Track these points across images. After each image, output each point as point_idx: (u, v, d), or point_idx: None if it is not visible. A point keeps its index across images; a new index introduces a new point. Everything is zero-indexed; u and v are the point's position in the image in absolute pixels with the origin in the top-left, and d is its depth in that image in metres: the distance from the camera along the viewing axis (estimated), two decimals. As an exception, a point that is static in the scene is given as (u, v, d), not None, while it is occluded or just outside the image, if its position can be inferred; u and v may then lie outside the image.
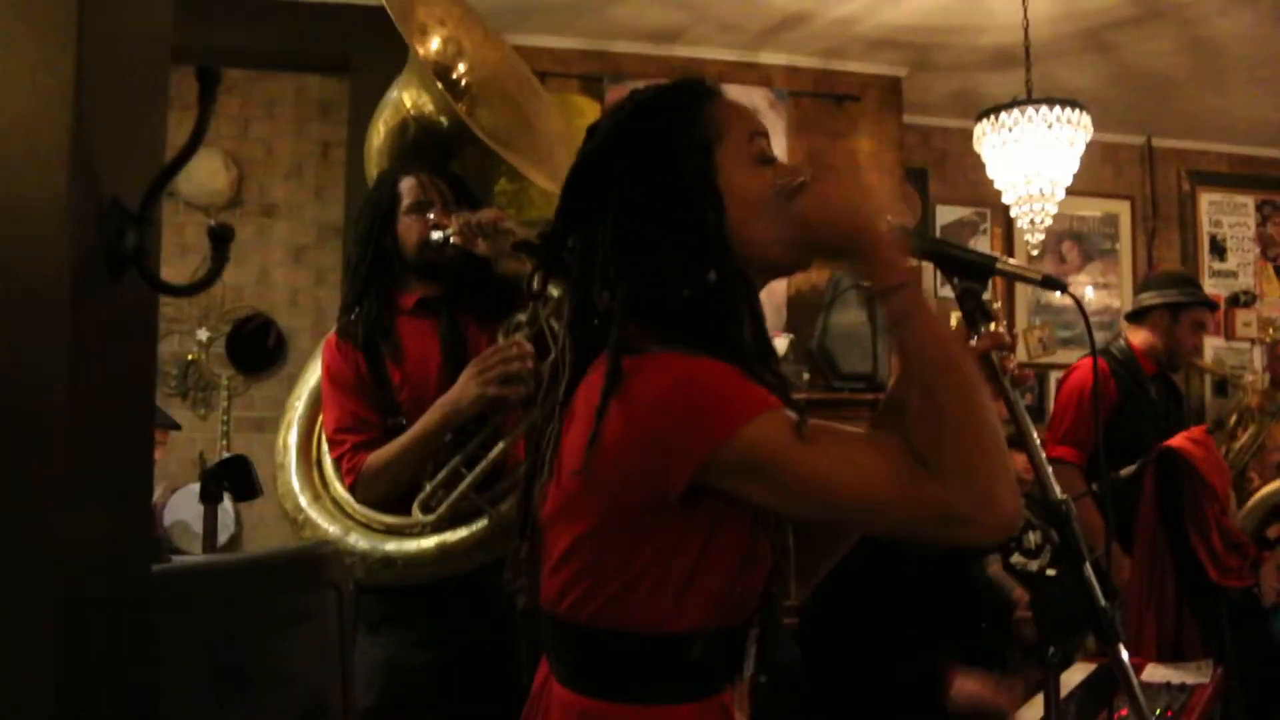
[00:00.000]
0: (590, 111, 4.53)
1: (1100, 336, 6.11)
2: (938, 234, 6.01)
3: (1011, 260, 1.33)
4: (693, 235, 1.25)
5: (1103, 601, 1.23)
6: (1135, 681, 1.21)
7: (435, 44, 2.63)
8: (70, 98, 0.72)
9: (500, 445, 2.21)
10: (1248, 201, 6.61)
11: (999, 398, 1.33)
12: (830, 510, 1.17)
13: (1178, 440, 3.12)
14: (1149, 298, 3.66)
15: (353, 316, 2.35)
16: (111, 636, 0.83)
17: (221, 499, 2.34)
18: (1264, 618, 3.95)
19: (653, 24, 4.89)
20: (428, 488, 2.22)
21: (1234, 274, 6.54)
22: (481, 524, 2.18)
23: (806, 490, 1.14)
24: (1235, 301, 6.41)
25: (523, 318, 2.27)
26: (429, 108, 2.45)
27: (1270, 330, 6.45)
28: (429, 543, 2.20)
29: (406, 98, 2.49)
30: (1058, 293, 1.35)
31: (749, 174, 1.30)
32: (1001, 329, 1.37)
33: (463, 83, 2.65)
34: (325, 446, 2.38)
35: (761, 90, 5.10)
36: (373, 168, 2.62)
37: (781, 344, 4.73)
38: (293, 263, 5.02)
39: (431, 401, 2.23)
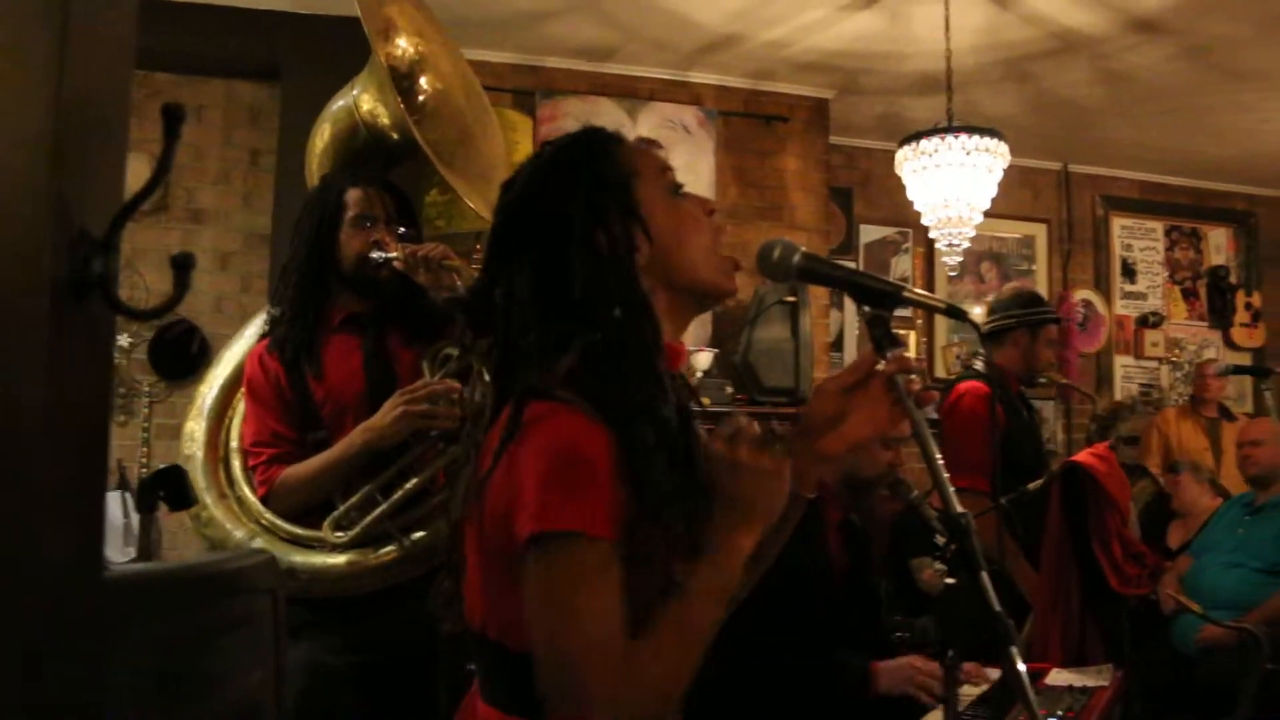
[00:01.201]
0: (522, 126, 4.61)
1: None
2: (861, 252, 6.17)
3: (918, 290, 1.41)
4: (604, 272, 1.30)
5: (997, 607, 1.30)
6: (1026, 682, 1.28)
7: (398, 48, 2.62)
8: (49, 141, 0.77)
9: (416, 479, 2.23)
10: (1157, 227, 6.88)
11: (905, 417, 1.40)
12: (538, 650, 1.20)
13: (1083, 456, 3.26)
14: (1004, 319, 3.71)
15: (284, 329, 2.34)
16: (65, 641, 0.88)
17: (157, 508, 2.34)
18: (1164, 625, 4.13)
19: (586, 41, 4.97)
20: (341, 508, 2.23)
21: (1143, 296, 6.80)
22: (391, 550, 2.22)
23: (536, 620, 1.19)
24: (1144, 322, 6.67)
25: (453, 351, 2.29)
26: (383, 118, 2.45)
27: (1177, 351, 6.71)
28: (339, 560, 2.22)
29: (363, 103, 2.47)
30: (960, 320, 1.43)
31: (668, 204, 1.38)
32: (908, 354, 1.45)
33: (419, 95, 2.66)
34: (233, 443, 2.40)
35: (692, 109, 5.20)
36: (315, 170, 2.60)
37: (706, 358, 4.82)
38: (219, 269, 5.00)
39: (353, 417, 2.25)
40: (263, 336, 2.41)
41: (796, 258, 1.40)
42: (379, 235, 2.33)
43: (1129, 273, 6.78)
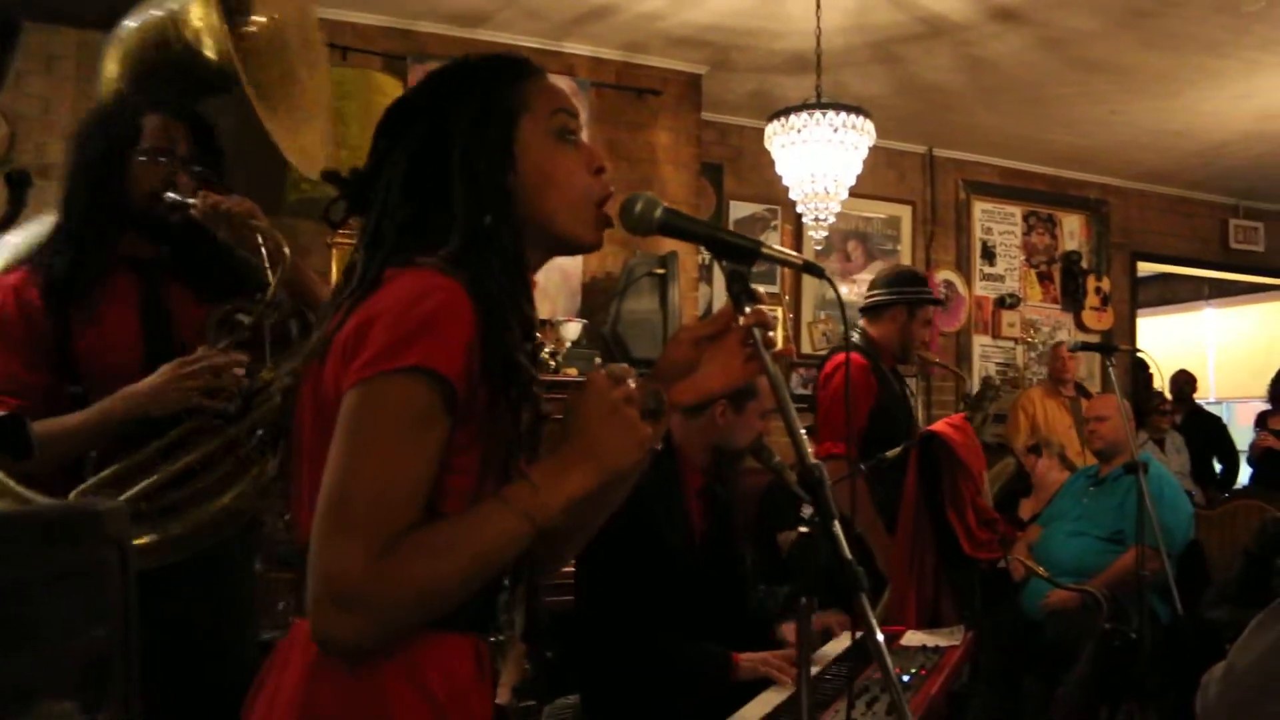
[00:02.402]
0: (391, 90, 4.49)
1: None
2: (730, 227, 6.23)
3: (776, 246, 1.44)
4: (480, 185, 1.30)
5: (848, 555, 1.33)
6: (875, 626, 1.32)
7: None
8: None
9: (184, 460, 2.00)
10: (1016, 212, 7.12)
11: (760, 372, 1.43)
12: (324, 490, 1.15)
13: (939, 426, 3.36)
14: (885, 294, 3.81)
15: (53, 260, 2.04)
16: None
17: None
18: (1012, 591, 4.29)
19: (459, 6, 4.90)
20: (90, 480, 1.98)
21: (1001, 278, 7.03)
22: (145, 537, 1.95)
23: (335, 461, 1.14)
24: (1002, 303, 6.90)
25: (245, 318, 2.07)
26: (206, 41, 2.22)
27: (1031, 332, 6.97)
28: None
29: (190, 19, 2.23)
30: (817, 278, 1.45)
31: (548, 147, 1.36)
32: (763, 309, 1.47)
33: (250, 22, 2.45)
34: None
35: (565, 79, 5.16)
36: (109, 76, 2.33)
37: (574, 329, 4.81)
38: (71, 228, 4.79)
39: (117, 375, 2.00)
40: (20, 264, 2.10)
41: (658, 212, 1.41)
42: (174, 175, 2.08)
43: (989, 255, 7.00)
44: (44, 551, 1.38)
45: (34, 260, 2.08)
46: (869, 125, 4.12)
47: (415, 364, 1.13)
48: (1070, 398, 6.30)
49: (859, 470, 3.09)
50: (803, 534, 2.07)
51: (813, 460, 1.36)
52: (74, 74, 4.80)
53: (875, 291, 3.86)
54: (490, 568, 1.19)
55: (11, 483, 1.93)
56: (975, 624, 3.10)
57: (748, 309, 1.43)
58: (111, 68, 2.36)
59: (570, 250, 1.47)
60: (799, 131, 4.05)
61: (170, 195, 2.05)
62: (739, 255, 1.41)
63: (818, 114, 4.04)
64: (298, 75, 2.51)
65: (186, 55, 2.24)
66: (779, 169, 4.33)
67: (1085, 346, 3.93)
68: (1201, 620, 3.53)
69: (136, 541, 1.90)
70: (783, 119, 4.15)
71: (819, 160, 4.09)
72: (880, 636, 1.30)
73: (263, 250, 2.08)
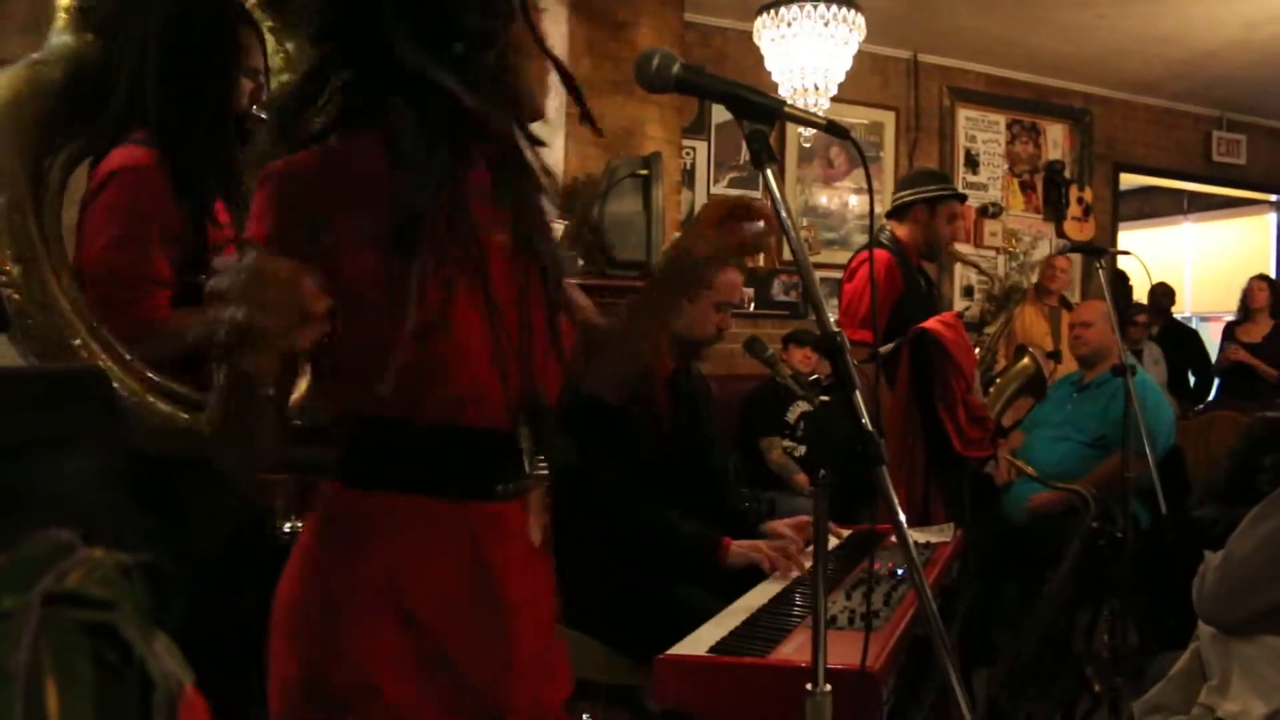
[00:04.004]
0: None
1: (860, 236, 6.42)
2: (712, 133, 6.12)
3: (798, 107, 1.38)
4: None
5: (869, 425, 1.29)
6: (893, 497, 1.28)
7: None
8: None
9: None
10: (1000, 120, 7.04)
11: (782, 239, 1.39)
12: None
13: (930, 323, 3.31)
14: (907, 194, 3.84)
15: (189, 146, 2.04)
16: None
17: None
18: (997, 494, 4.30)
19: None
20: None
21: (984, 187, 6.97)
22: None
23: None
24: (984, 213, 6.83)
25: None
26: None
27: (1013, 241, 6.93)
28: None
29: None
30: (841, 138, 1.40)
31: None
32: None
33: None
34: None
35: (545, -28, 5.01)
36: None
37: (557, 230, 4.72)
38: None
39: None
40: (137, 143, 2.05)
41: (675, 67, 1.36)
42: (260, 93, 2.15)
43: (972, 164, 6.93)
44: (38, 412, 1.32)
45: (149, 146, 2.04)
46: (859, 20, 4.02)
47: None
48: (1052, 307, 6.27)
49: (877, 356, 3.08)
50: (818, 405, 2.02)
51: (834, 327, 1.32)
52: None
53: (897, 193, 3.89)
54: None
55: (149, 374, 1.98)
56: (964, 522, 3.09)
57: (769, 169, 1.37)
58: None
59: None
60: (789, 25, 3.94)
61: (257, 110, 2.12)
62: (760, 114, 1.36)
63: (808, 6, 3.92)
64: None
65: None
66: (767, 64, 4.22)
67: (1075, 248, 3.90)
68: (1187, 521, 3.54)
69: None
70: (772, 12, 4.03)
71: (808, 54, 3.99)
72: (902, 515, 1.27)
73: None
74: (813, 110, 4.27)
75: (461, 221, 1.29)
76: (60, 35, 2.28)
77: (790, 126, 5.90)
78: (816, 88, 4.06)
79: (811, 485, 1.51)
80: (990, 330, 4.42)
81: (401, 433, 1.28)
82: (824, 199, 6.47)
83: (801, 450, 5.02)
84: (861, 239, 6.49)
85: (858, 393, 1.28)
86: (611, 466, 2.67)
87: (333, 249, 1.23)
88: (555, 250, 1.45)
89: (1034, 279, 6.29)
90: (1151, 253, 9.20)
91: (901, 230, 3.81)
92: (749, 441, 5.07)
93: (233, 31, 2.14)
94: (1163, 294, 7.57)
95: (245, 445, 1.25)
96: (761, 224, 1.38)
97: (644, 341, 1.53)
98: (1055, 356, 5.27)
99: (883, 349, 3.16)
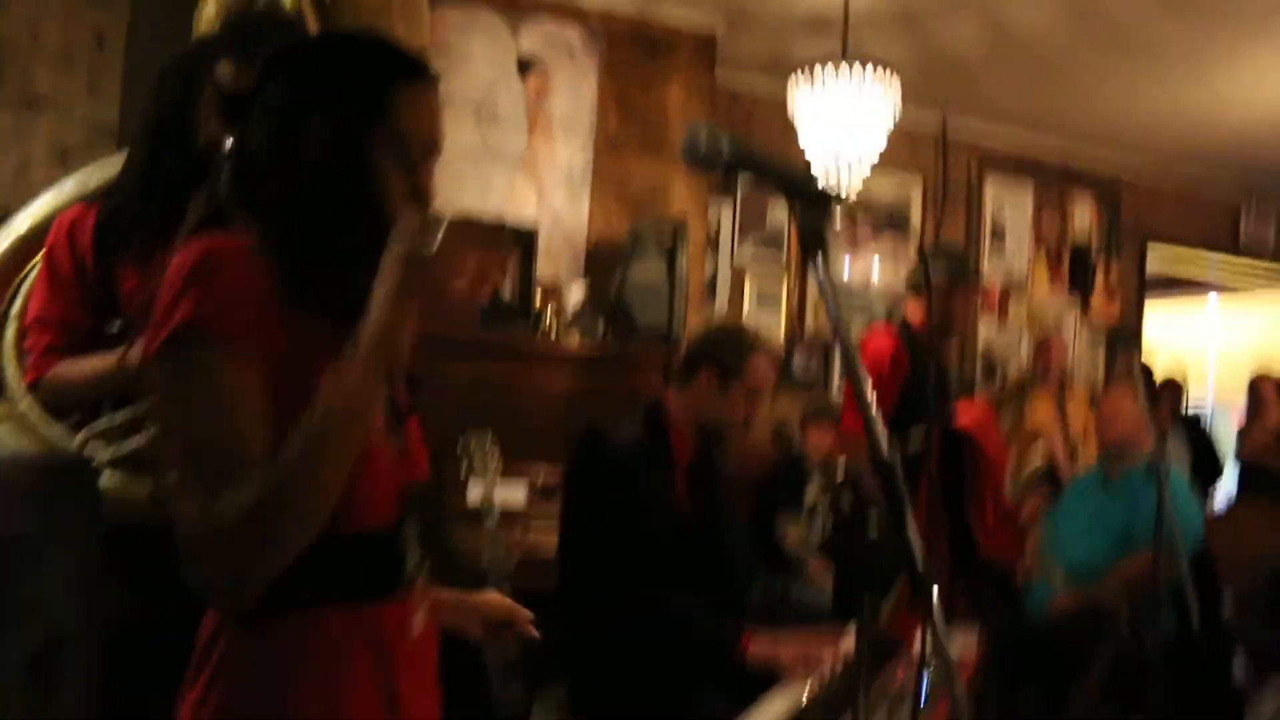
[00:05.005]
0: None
1: (883, 308, 6.33)
2: (738, 195, 6.04)
3: (831, 173, 1.30)
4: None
5: (920, 564, 1.21)
6: (945, 645, 1.20)
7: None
8: None
9: None
10: (1027, 190, 6.94)
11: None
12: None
13: (963, 416, 3.22)
14: (923, 272, 3.76)
15: (119, 201, 2.04)
16: None
17: None
18: (1018, 593, 4.17)
19: (469, -54, 4.66)
20: (108, 420, 1.98)
21: (1010, 260, 6.86)
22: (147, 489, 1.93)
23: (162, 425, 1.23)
24: (1008, 286, 6.72)
25: None
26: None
27: (1037, 321, 6.82)
28: (103, 479, 1.91)
29: None
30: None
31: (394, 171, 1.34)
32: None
33: None
34: (15, 307, 2.16)
35: (576, 28, 4.96)
36: (207, 17, 2.27)
37: (578, 293, 4.63)
38: (56, 162, 4.55)
39: None
40: (83, 199, 2.14)
41: (725, 146, 1.25)
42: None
43: (998, 234, 6.83)
44: (13, 512, 1.24)
45: (92, 198, 2.11)
46: (896, 82, 3.93)
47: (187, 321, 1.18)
48: (1055, 390, 6.13)
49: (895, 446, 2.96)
50: (847, 515, 1.93)
51: (885, 447, 1.24)
52: (62, -1, 4.56)
53: (916, 270, 3.78)
54: (340, 436, 1.16)
55: (35, 416, 2.00)
56: (988, 624, 2.98)
57: (820, 262, 1.29)
58: (210, 11, 2.28)
59: None
60: (824, 85, 3.85)
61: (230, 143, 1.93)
62: (814, 200, 1.27)
63: (844, 66, 3.84)
64: (396, 29, 2.35)
65: (270, 5, 2.19)
66: (800, 126, 4.13)
67: (1108, 336, 3.81)
68: (1222, 629, 3.42)
69: (136, 493, 1.89)
70: (805, 71, 3.95)
71: (843, 118, 3.90)
72: (954, 654, 1.19)
73: None
74: (850, 175, 4.22)
75: None
76: None
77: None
78: (849, 166, 3.97)
79: (852, 622, 1.42)
80: (1004, 423, 4.31)
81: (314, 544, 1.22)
82: (846, 261, 6.35)
83: (817, 535, 4.89)
84: (883, 307, 6.40)
85: (910, 520, 1.21)
86: (626, 553, 2.58)
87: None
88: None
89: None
90: (1177, 329, 9.10)
91: (914, 307, 3.73)
92: (764, 522, 4.94)
93: (201, 63, 2.06)
94: (1173, 391, 7.33)
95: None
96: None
97: None
98: (1072, 451, 5.17)
99: (913, 444, 3.05)
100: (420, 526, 1.37)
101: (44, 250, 2.08)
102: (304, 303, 1.25)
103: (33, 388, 2.02)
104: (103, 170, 2.25)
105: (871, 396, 1.21)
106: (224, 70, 2.03)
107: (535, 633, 1.74)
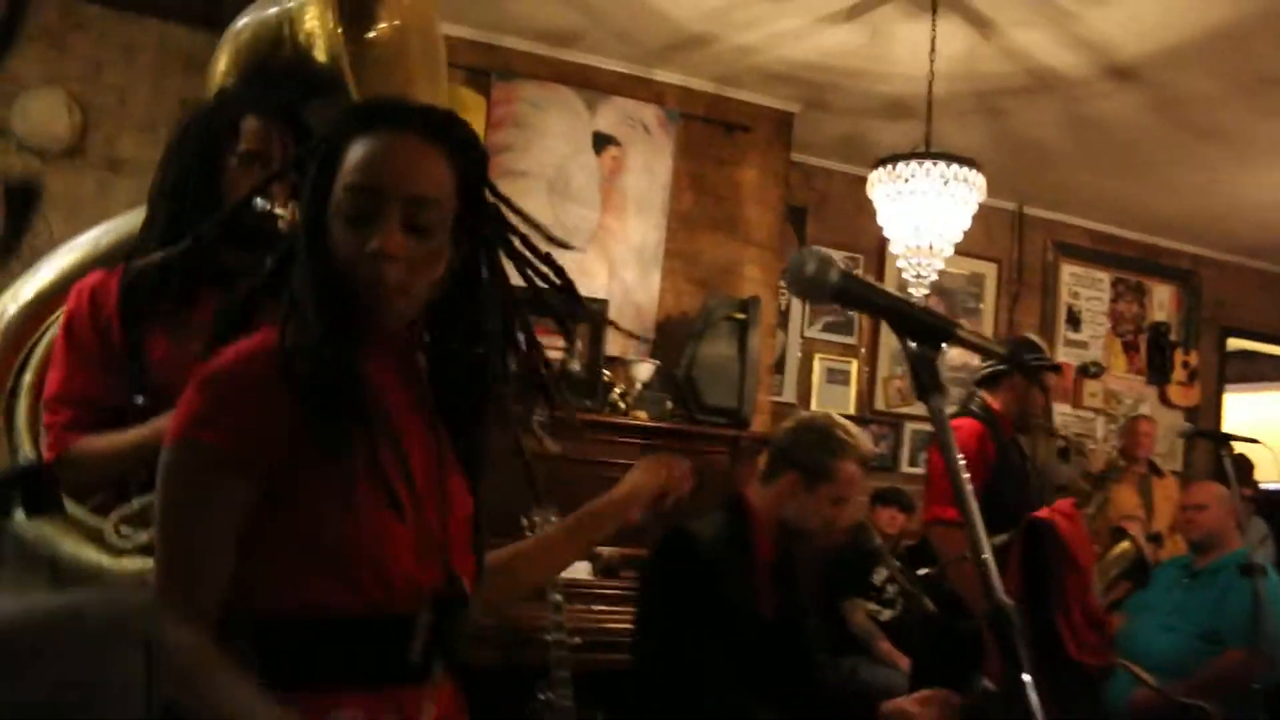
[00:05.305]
0: (475, 106, 4.34)
1: (957, 393, 6.20)
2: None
3: (971, 330, 1.22)
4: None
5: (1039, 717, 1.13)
6: None
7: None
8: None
9: None
10: (1104, 277, 6.83)
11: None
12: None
13: (1046, 513, 3.11)
14: (1002, 363, 3.68)
15: (135, 264, 1.91)
16: None
17: (11, 513, 1.89)
18: (1097, 685, 4.00)
19: (548, 23, 4.70)
20: (135, 504, 1.88)
21: (1085, 345, 6.74)
22: None
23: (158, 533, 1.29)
24: (1085, 372, 6.57)
25: None
26: (319, 43, 2.07)
27: (1114, 403, 6.66)
28: (125, 565, 1.88)
29: (305, 19, 2.10)
30: (1025, 376, 1.23)
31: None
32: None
33: (370, 29, 2.30)
34: (28, 376, 2.06)
35: (653, 107, 4.98)
36: (219, 72, 2.19)
37: (646, 370, 4.59)
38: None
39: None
40: (100, 263, 2.02)
41: (834, 275, 1.19)
42: (268, 182, 1.90)
43: (1074, 321, 6.71)
44: (61, 665, 1.18)
45: (113, 261, 1.98)
46: (980, 179, 3.87)
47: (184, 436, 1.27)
48: (1140, 475, 5.97)
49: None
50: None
51: (1003, 598, 1.16)
52: (153, 65, 4.67)
53: (991, 360, 3.69)
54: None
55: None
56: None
57: (932, 400, 1.21)
58: (222, 64, 2.22)
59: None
60: (906, 181, 3.81)
61: (260, 202, 1.86)
62: (928, 335, 1.20)
63: (927, 164, 3.80)
64: (418, 85, 2.34)
65: (297, 57, 2.09)
66: (881, 220, 4.09)
67: (1198, 433, 3.69)
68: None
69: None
70: (889, 167, 3.91)
71: (924, 211, 3.86)
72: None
73: None
74: (929, 267, 4.15)
75: (380, 420, 1.30)
76: None
77: (890, 266, 5.75)
78: (932, 247, 3.91)
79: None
80: (1088, 511, 4.17)
81: (321, 628, 1.26)
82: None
83: (887, 614, 4.75)
84: (958, 392, 6.28)
85: (1027, 676, 1.13)
86: (706, 654, 2.48)
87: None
88: (482, 439, 1.45)
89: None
90: (1255, 419, 8.86)
91: (995, 399, 3.65)
92: (831, 604, 4.82)
93: (227, 116, 1.98)
94: (1243, 465, 7.11)
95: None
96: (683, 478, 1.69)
97: (548, 572, 1.70)
98: (1156, 540, 4.98)
99: (996, 540, 2.94)
100: (440, 616, 1.34)
101: (63, 319, 1.95)
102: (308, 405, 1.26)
103: (55, 466, 1.88)
104: (116, 229, 2.18)
105: (982, 537, 1.14)
106: (250, 125, 1.97)
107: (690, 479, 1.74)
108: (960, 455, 2.89)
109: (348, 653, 1.27)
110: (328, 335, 1.27)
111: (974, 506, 1.19)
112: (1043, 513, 3.11)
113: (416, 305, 1.34)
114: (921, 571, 3.37)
